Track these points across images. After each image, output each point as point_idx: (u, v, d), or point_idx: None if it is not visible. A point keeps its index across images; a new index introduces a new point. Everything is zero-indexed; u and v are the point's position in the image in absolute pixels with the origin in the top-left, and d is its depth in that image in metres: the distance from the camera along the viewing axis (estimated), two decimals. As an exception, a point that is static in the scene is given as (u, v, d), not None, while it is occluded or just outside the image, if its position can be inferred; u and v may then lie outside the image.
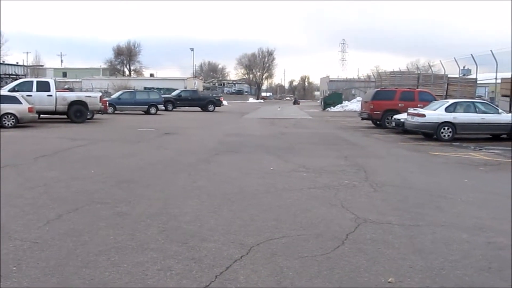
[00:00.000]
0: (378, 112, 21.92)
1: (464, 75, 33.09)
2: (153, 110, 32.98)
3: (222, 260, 4.24)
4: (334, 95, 52.92)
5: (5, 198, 6.66)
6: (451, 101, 17.86)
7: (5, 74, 46.51)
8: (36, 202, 6.43)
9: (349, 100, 51.28)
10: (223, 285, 3.71)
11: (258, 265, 4.17)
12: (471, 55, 25.93)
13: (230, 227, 5.39)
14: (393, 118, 20.07)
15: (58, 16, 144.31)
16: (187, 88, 53.35)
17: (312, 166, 10.13)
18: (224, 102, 47.84)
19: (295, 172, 9.44)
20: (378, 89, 25.25)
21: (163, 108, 35.56)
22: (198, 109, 39.15)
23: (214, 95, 48.27)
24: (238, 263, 4.18)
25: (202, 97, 41.77)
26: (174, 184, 8.04)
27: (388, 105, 21.69)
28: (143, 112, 32.76)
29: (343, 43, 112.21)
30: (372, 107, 22.09)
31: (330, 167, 10.02)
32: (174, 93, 42.66)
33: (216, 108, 39.66)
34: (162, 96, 39.00)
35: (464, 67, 33.56)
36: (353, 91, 58.48)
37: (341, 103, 49.33)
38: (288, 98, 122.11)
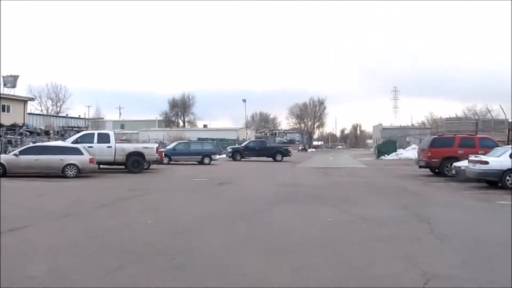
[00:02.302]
0: (437, 160, 21.18)
1: (526, 119, 31.72)
2: (207, 160, 33.48)
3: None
4: (388, 143, 51.91)
5: (67, 247, 6.79)
6: (515, 147, 17.01)
7: (68, 127, 48.98)
8: (98, 252, 6.50)
9: (403, 148, 50.10)
10: None
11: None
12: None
13: (291, 282, 5.19)
14: (452, 166, 19.30)
15: (117, 71, 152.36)
16: (255, 139, 53.96)
17: (371, 216, 9.77)
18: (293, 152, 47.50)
19: (353, 223, 9.12)
20: (436, 136, 24.55)
21: (232, 158, 37.23)
22: (259, 158, 39.12)
23: (281, 145, 48.27)
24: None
25: (270, 147, 42.01)
26: (231, 234, 7.95)
27: (447, 152, 20.96)
28: (197, 162, 33.32)
29: (395, 90, 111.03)
30: (430, 154, 21.41)
31: (390, 218, 9.63)
32: (243, 144, 43.64)
33: (284, 158, 39.37)
34: (231, 147, 39.94)
35: (525, 110, 32.23)
36: (407, 139, 57.21)
37: (395, 151, 48.26)
38: (340, 146, 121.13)
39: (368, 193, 14.74)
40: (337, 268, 5.81)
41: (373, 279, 5.33)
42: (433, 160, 21.33)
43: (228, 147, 44.41)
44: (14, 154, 19.89)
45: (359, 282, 5.21)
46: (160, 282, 5.12)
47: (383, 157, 46.53)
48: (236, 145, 44.15)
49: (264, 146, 42.01)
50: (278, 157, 38.91)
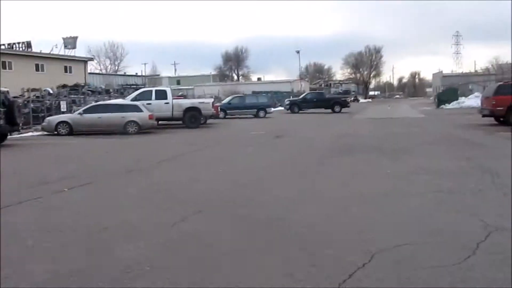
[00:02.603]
0: (502, 108, 20.17)
1: None
2: (262, 113, 33.67)
3: (344, 267, 4.14)
4: (449, 91, 49.84)
5: (133, 201, 7.18)
6: None
7: (127, 85, 50.44)
8: (163, 204, 6.83)
9: (466, 96, 47.96)
10: (348, 294, 3.62)
11: (383, 274, 4.00)
12: None
13: (350, 232, 5.26)
14: (519, 114, 18.38)
15: (171, 23, 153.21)
16: (312, 91, 53.56)
17: (432, 168, 9.58)
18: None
19: (414, 174, 9.00)
20: (501, 82, 23.28)
21: (290, 111, 38.02)
22: (317, 110, 38.90)
23: (340, 96, 47.69)
24: (361, 271, 4.05)
25: (328, 99, 41.68)
26: (291, 187, 8.07)
27: (513, 100, 19.90)
28: (252, 116, 33.58)
29: (457, 35, 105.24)
30: (494, 102, 20.40)
31: (452, 170, 9.41)
32: (301, 96, 43.77)
33: (342, 109, 39.04)
34: (288, 99, 41.27)
35: None
36: (470, 86, 54.71)
37: (457, 99, 46.34)
38: (397, 96, 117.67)
39: (428, 144, 14.38)
40: (398, 219, 5.82)
41: (433, 230, 5.30)
42: (498, 108, 20.34)
43: (285, 100, 44.43)
44: (78, 113, 20.84)
45: (420, 232, 5.20)
46: (223, 232, 5.35)
47: (443, 106, 44.88)
48: (294, 98, 44.03)
49: (322, 97, 41.61)
50: (337, 108, 38.52)
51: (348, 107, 40.24)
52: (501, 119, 20.71)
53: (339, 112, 37.95)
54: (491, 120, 21.80)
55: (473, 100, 41.50)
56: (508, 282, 3.79)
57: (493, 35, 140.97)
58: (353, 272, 4.03)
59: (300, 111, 39.07)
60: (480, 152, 12.11)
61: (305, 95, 43.80)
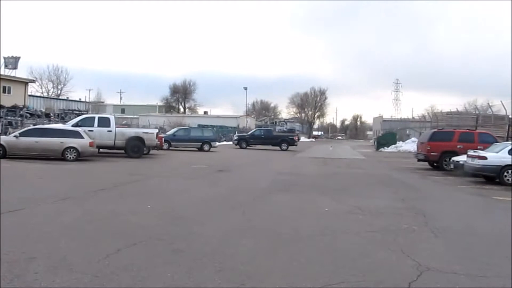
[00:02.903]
0: (436, 154, 21.24)
1: (527, 115, 31.64)
2: (206, 147, 33.56)
3: (280, 304, 4.12)
4: (388, 135, 51.94)
5: (66, 230, 6.86)
6: (514, 143, 17.04)
7: (69, 110, 48.99)
8: (96, 235, 6.57)
9: (403, 141, 50.13)
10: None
11: (318, 312, 4.02)
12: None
13: (287, 270, 5.26)
14: (451, 160, 19.37)
15: (119, 54, 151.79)
16: (261, 128, 53.91)
17: (368, 208, 9.85)
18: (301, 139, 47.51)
19: (350, 214, 9.20)
20: (435, 129, 24.58)
21: (238, 146, 38.52)
22: (264, 147, 39.37)
23: (288, 134, 48.20)
24: (297, 308, 4.05)
25: (276, 136, 42.13)
26: (228, 222, 8.02)
27: (446, 147, 21.02)
28: (196, 149, 33.39)
29: (397, 83, 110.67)
30: (429, 148, 21.46)
31: (387, 210, 9.71)
32: (249, 132, 44.19)
33: (290, 147, 39.41)
34: (237, 134, 41.32)
35: (526, 107, 32.12)
36: (407, 132, 57.25)
37: (395, 143, 48.31)
38: (339, 137, 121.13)
39: (366, 185, 14.82)
40: (333, 257, 5.89)
41: (368, 269, 5.41)
42: (432, 153, 21.39)
43: (234, 135, 44.78)
44: (14, 136, 19.92)
45: (354, 271, 5.28)
46: (158, 266, 5.19)
47: (382, 149, 46.60)
48: (242, 133, 44.51)
49: (270, 134, 42.21)
50: (284, 146, 39.04)
51: (296, 145, 40.91)
52: (435, 164, 21.75)
53: (286, 150, 38.49)
54: (426, 164, 22.84)
55: (410, 145, 43.45)
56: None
57: (429, 85, 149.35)
58: (288, 309, 4.01)
59: (248, 147, 39.44)
60: (414, 195, 12.59)
61: (254, 131, 44.41)
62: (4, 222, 7.17)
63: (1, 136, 21.36)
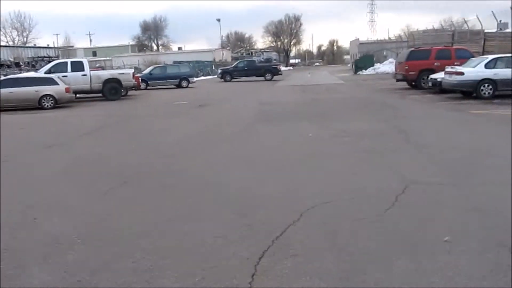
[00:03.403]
0: (414, 73, 21.36)
1: (501, 29, 31.70)
2: (184, 83, 33.19)
3: (276, 225, 4.30)
4: (365, 58, 51.80)
5: (57, 176, 6.91)
6: (490, 57, 17.16)
7: (38, 57, 47.48)
8: (87, 178, 6.64)
9: (381, 62, 50.13)
10: (280, 249, 3.77)
11: (312, 230, 4.21)
12: (511, 8, 24.82)
13: (278, 193, 5.44)
14: (429, 78, 19.53)
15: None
16: (244, 59, 53.07)
17: (352, 130, 10.05)
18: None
19: (335, 137, 9.39)
20: (412, 49, 24.59)
21: (222, 79, 38.99)
22: (248, 79, 38.99)
23: (271, 64, 47.59)
24: (291, 228, 4.24)
25: (259, 67, 41.42)
26: (216, 155, 8.13)
27: (423, 65, 21.10)
28: (175, 86, 33.02)
29: (372, 4, 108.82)
30: (407, 67, 21.55)
31: (371, 131, 9.92)
32: (233, 65, 43.78)
33: (274, 76, 38.97)
34: (221, 68, 41.85)
35: (500, 21, 32.10)
36: (384, 53, 57.11)
37: (372, 65, 48.31)
38: (317, 63, 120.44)
39: (347, 108, 14.99)
40: (323, 178, 6.09)
41: (356, 187, 5.61)
42: (410, 73, 21.51)
43: (218, 69, 45.24)
44: (-14, 88, 19.35)
45: (345, 189, 5.49)
46: (151, 201, 5.32)
47: (360, 72, 46.61)
48: (226, 67, 44.55)
49: (254, 65, 41.61)
50: (268, 76, 38.65)
51: (280, 74, 40.55)
52: (413, 83, 21.94)
53: (271, 79, 38.20)
54: (404, 84, 23.04)
55: (388, 66, 43.54)
56: (424, 229, 4.14)
57: (404, 4, 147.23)
58: (284, 229, 4.20)
59: (233, 80, 39.21)
60: (395, 114, 12.81)
61: (237, 63, 43.81)
62: (-8, 173, 7.17)
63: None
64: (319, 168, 6.75)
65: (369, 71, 46.33)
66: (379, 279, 3.25)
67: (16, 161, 8.20)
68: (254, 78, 38.82)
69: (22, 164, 7.99)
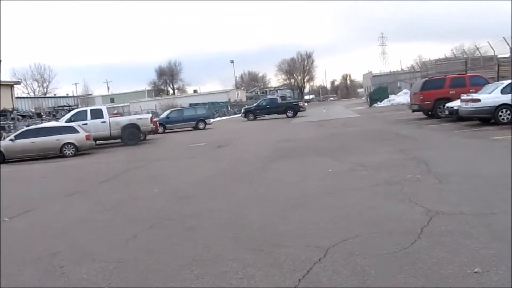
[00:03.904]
0: (429, 102, 21.37)
1: (514, 54, 31.60)
2: (201, 125, 33.62)
3: (302, 264, 4.28)
4: (379, 90, 52.06)
5: (80, 223, 6.99)
6: (506, 82, 17.10)
7: (58, 106, 48.68)
8: (110, 224, 6.71)
9: (395, 94, 50.28)
10: (307, 288, 3.74)
11: (338, 266, 4.18)
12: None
13: (301, 231, 5.42)
14: (445, 107, 19.52)
15: (101, 44, 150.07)
16: (266, 98, 53.96)
17: (370, 163, 10.01)
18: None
19: (353, 171, 9.36)
20: (426, 78, 24.66)
21: (246, 118, 40.37)
22: (270, 117, 39.69)
23: (292, 101, 48.40)
24: (318, 266, 4.21)
25: (280, 104, 42.11)
26: (235, 194, 8.16)
27: (438, 94, 21.13)
28: (192, 128, 33.44)
29: (382, 37, 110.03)
30: (422, 97, 21.57)
31: (388, 163, 9.87)
32: (255, 104, 45.34)
33: (296, 113, 39.23)
34: (244, 108, 43.97)
35: (513, 46, 31.99)
36: (398, 84, 57.31)
37: (387, 97, 48.47)
38: (331, 98, 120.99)
39: (364, 141, 14.96)
40: (343, 214, 6.04)
41: (378, 220, 5.57)
42: (425, 102, 21.52)
43: (242, 109, 47.50)
44: (10, 140, 19.84)
45: (365, 224, 5.45)
46: (176, 244, 5.34)
47: (375, 104, 46.76)
48: (249, 106, 46.25)
49: (275, 103, 42.24)
50: (289, 113, 39.04)
51: (303, 110, 40.79)
52: (429, 112, 21.90)
53: (292, 116, 38.39)
54: (420, 114, 23.00)
55: (402, 97, 43.63)
56: (453, 261, 4.07)
57: (415, 35, 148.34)
58: (311, 267, 4.17)
59: (257, 118, 40.13)
60: (413, 145, 12.75)
61: (259, 102, 45.15)
62: (18, 224, 7.30)
63: (-3, 142, 21.32)
64: (340, 203, 6.72)
65: (384, 103, 46.44)
66: (410, 314, 3.19)
67: (40, 210, 8.34)
68: (275, 116, 39.58)
69: (46, 212, 8.11)
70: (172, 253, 5.05)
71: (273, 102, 43.08)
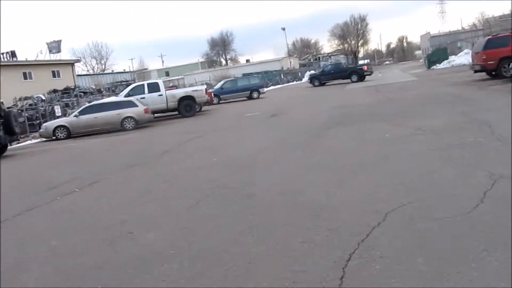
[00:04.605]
0: (493, 62, 20.27)
1: None
2: (255, 94, 33.78)
3: (360, 228, 4.31)
4: (438, 51, 49.86)
5: (143, 192, 7.32)
6: None
7: (116, 82, 50.26)
8: (173, 193, 6.98)
9: (455, 55, 48.04)
10: (367, 251, 3.78)
11: (398, 230, 4.18)
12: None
13: (359, 196, 5.43)
14: (510, 66, 18.49)
15: (154, 19, 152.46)
16: (332, 62, 53.70)
17: (428, 127, 9.75)
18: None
19: (412, 136, 9.16)
20: (489, 36, 23.34)
21: (311, 84, 40.45)
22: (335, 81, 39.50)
23: (357, 65, 47.89)
24: (377, 230, 4.23)
25: (344, 69, 41.72)
26: (292, 162, 8.23)
27: (503, 53, 19.95)
28: (246, 98, 33.64)
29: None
30: (484, 57, 20.49)
31: (448, 126, 9.57)
32: (319, 70, 45.52)
33: (362, 78, 38.35)
34: (309, 73, 44.27)
35: None
36: (458, 44, 54.69)
37: (447, 58, 46.42)
38: (387, 62, 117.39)
39: (422, 105, 14.52)
40: (401, 179, 5.97)
41: (438, 184, 5.48)
42: (488, 62, 20.44)
43: (308, 74, 49.04)
44: (74, 116, 20.82)
45: (425, 188, 5.37)
46: (237, 211, 5.50)
47: (434, 67, 44.99)
48: (314, 72, 47.11)
49: (339, 68, 41.80)
50: (354, 78, 38.31)
51: (369, 74, 39.54)
52: (493, 72, 20.83)
53: (357, 81, 37.47)
54: (483, 75, 21.93)
55: (464, 58, 41.64)
56: (517, 224, 3.97)
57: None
58: (370, 231, 4.20)
59: (323, 83, 39.98)
60: (474, 107, 12.24)
61: (323, 67, 45.32)
62: (87, 195, 7.75)
63: (62, 118, 22.44)
64: (398, 168, 6.63)
65: (444, 64, 44.56)
66: (475, 277, 3.18)
67: (105, 182, 8.78)
68: (339, 81, 39.35)
69: (110, 184, 8.54)
70: (233, 219, 5.21)
71: (337, 67, 42.55)
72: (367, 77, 38.75)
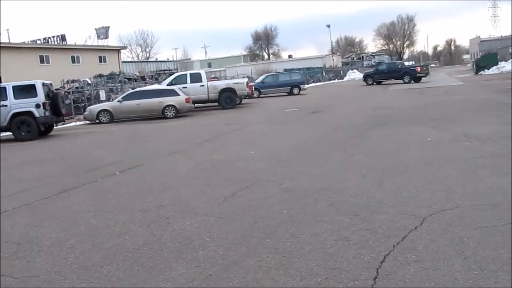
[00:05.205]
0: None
1: None
2: (296, 90, 33.68)
3: (397, 230, 4.27)
4: (488, 56, 48.26)
5: (182, 179, 7.46)
6: None
7: (160, 70, 51.09)
8: (210, 182, 7.08)
9: (506, 60, 46.37)
10: (403, 254, 3.75)
11: (436, 235, 4.11)
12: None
13: (397, 199, 5.37)
14: None
15: (199, 10, 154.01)
16: (385, 61, 53.25)
17: (474, 134, 9.50)
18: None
19: (455, 141, 8.95)
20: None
21: (365, 83, 39.86)
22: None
23: (410, 65, 47.11)
24: (414, 233, 4.18)
25: (398, 69, 40.80)
26: (331, 160, 8.20)
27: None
28: (286, 94, 33.59)
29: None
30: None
31: (495, 134, 9.29)
32: (373, 69, 45.24)
33: (417, 79, 37.44)
34: (364, 72, 44.31)
35: None
36: (510, 50, 52.69)
37: (496, 64, 44.88)
38: (433, 65, 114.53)
39: (468, 111, 14.14)
40: (442, 184, 5.85)
41: (481, 193, 5.34)
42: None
43: (363, 73, 48.19)
44: (118, 101, 21.31)
45: (467, 196, 5.25)
46: (273, 204, 5.54)
47: (482, 72, 43.58)
48: (369, 70, 46.41)
49: (392, 68, 41.30)
50: (406, 79, 37.48)
51: (423, 76, 38.36)
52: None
53: (409, 82, 36.66)
54: (534, 83, 21.11)
55: (514, 64, 40.14)
56: (562, 238, 3.84)
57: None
58: (406, 234, 4.16)
59: (376, 83, 39.56)
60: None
61: (377, 66, 45.10)
62: (127, 178, 7.96)
63: (106, 103, 23.03)
64: (440, 174, 6.50)
65: (493, 70, 43.12)
66: (512, 288, 3.10)
67: (146, 166, 8.99)
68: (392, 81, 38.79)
69: (151, 169, 8.73)
70: (269, 211, 5.25)
71: (391, 67, 41.94)
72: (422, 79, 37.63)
